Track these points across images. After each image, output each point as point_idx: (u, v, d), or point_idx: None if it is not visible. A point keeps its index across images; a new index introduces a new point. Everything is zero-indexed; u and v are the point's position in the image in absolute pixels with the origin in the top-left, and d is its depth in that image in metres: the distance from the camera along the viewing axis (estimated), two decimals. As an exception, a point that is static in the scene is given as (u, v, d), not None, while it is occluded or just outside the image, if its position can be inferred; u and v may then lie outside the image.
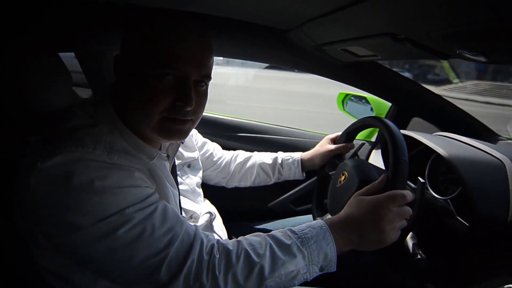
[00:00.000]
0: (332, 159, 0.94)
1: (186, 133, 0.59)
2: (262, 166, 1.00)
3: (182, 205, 0.76)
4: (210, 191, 0.97)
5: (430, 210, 0.78)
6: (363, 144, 0.99)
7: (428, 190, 0.83)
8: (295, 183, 1.14)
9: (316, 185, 0.96)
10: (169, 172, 0.67)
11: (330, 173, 0.92)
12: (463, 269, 0.73)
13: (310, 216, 0.97)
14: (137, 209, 0.49)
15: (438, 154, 0.75)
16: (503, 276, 0.64)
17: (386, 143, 1.05)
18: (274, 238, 0.55)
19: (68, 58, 0.91)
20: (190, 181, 0.88)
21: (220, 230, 0.87)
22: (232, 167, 1.00)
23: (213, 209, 0.90)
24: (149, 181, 0.56)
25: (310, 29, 0.81)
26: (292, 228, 0.57)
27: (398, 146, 0.64)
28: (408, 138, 0.74)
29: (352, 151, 0.96)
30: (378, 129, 1.22)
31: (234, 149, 1.07)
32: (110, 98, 0.58)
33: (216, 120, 1.25)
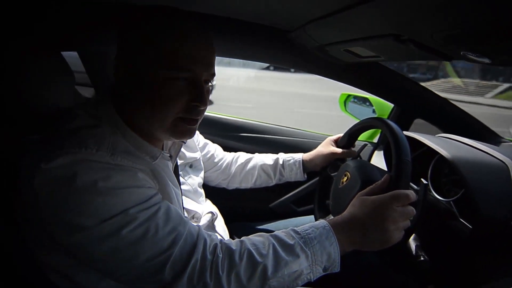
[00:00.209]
0: (334, 161, 0.94)
1: (195, 131, 0.61)
2: (263, 167, 1.00)
3: (184, 205, 0.76)
4: (212, 191, 0.97)
5: (433, 212, 0.78)
6: (365, 145, 0.99)
7: (430, 192, 0.83)
8: (296, 183, 1.14)
9: (318, 186, 0.96)
10: (172, 172, 0.67)
11: (332, 174, 0.92)
12: (466, 271, 0.72)
13: (312, 216, 0.97)
14: (141, 209, 0.49)
15: (441, 156, 0.75)
16: (506, 278, 0.63)
17: (388, 144, 1.04)
18: (277, 238, 0.55)
19: (73, 58, 0.92)
20: (192, 181, 0.88)
21: (221, 230, 0.87)
22: (233, 168, 1.00)
23: (214, 209, 0.90)
24: (152, 181, 0.56)
25: (313, 30, 0.81)
26: (295, 228, 0.57)
27: (401, 146, 0.64)
28: (410, 139, 0.74)
29: None
30: (380, 130, 1.23)
31: (235, 149, 1.07)
32: (111, 98, 0.58)
33: (217, 120, 1.25)
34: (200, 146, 0.96)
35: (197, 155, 0.91)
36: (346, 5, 0.58)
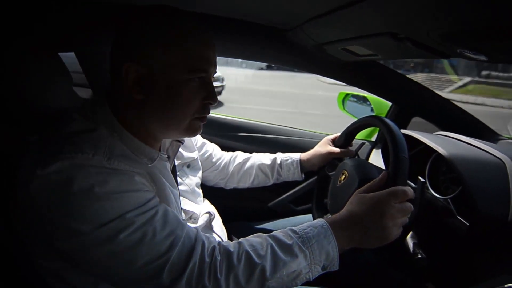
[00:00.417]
0: (331, 160, 0.94)
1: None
2: (261, 167, 0.99)
3: (182, 206, 0.76)
4: (210, 191, 0.97)
5: (430, 209, 0.78)
6: (363, 144, 0.99)
7: (428, 189, 0.83)
8: (294, 183, 1.14)
9: (316, 185, 0.96)
10: (170, 173, 0.66)
11: (329, 173, 0.92)
12: (463, 268, 0.73)
13: (310, 215, 0.97)
14: (138, 214, 0.49)
15: (439, 154, 0.75)
16: (503, 275, 0.64)
17: (386, 143, 1.05)
18: (275, 238, 0.55)
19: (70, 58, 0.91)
20: (190, 181, 0.88)
21: (219, 230, 0.87)
22: (231, 168, 1.00)
23: (212, 209, 0.90)
24: (150, 184, 0.56)
25: (311, 29, 0.81)
26: (293, 228, 0.57)
27: (397, 143, 0.64)
28: (408, 137, 0.74)
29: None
30: (378, 129, 1.23)
31: (233, 149, 1.07)
32: (108, 100, 0.57)
33: (215, 119, 1.25)
34: (198, 146, 0.96)
35: (195, 154, 0.91)
36: (343, 4, 0.58)
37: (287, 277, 0.53)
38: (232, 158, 1.02)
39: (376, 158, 1.09)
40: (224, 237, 0.87)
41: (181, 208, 0.74)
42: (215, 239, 0.56)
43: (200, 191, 0.91)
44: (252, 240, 0.56)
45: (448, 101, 1.10)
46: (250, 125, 1.26)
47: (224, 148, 1.06)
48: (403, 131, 0.72)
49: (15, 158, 0.53)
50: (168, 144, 0.70)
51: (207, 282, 0.49)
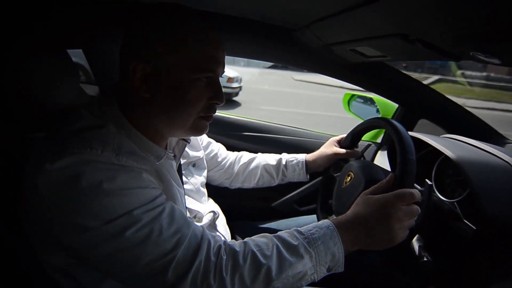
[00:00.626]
0: (337, 161, 0.94)
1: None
2: (266, 167, 0.99)
3: (187, 205, 0.76)
4: (214, 190, 0.97)
5: (437, 212, 0.78)
6: (369, 145, 0.99)
7: (434, 192, 0.82)
8: (299, 183, 1.14)
9: (321, 186, 0.96)
10: (176, 171, 0.67)
11: (335, 174, 0.91)
12: (469, 272, 0.72)
13: (315, 216, 0.97)
14: (145, 210, 0.49)
15: (445, 156, 0.74)
16: (510, 279, 0.63)
17: (392, 144, 1.04)
18: (280, 239, 0.55)
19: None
20: (195, 180, 0.88)
21: (223, 229, 0.87)
22: (236, 168, 1.00)
23: (216, 208, 0.90)
24: (157, 181, 0.56)
25: (319, 29, 0.80)
26: (299, 228, 0.57)
27: (405, 145, 0.64)
28: (415, 140, 0.73)
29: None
30: (384, 130, 1.22)
31: (238, 148, 1.06)
32: (116, 98, 0.57)
33: (220, 119, 1.25)
34: (203, 145, 0.96)
35: (201, 154, 0.91)
36: (353, 5, 0.57)
37: (292, 278, 0.52)
38: (237, 158, 1.02)
39: (382, 160, 1.08)
40: (228, 236, 0.87)
41: (186, 207, 0.74)
42: (221, 238, 0.56)
43: (205, 190, 0.91)
44: (258, 240, 0.55)
45: (455, 103, 1.09)
46: (256, 125, 1.26)
47: (229, 147, 1.06)
48: (409, 133, 0.71)
49: (20, 156, 0.53)
50: (175, 143, 0.70)
51: (213, 281, 0.49)
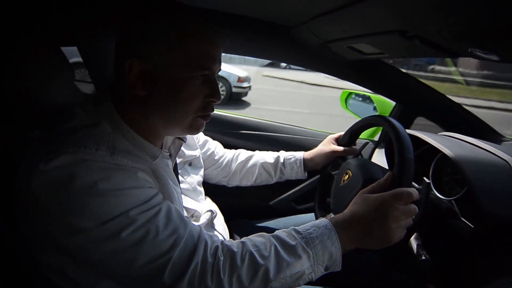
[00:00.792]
0: (335, 159, 0.94)
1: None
2: (264, 165, 0.99)
3: (184, 204, 0.76)
4: (212, 188, 0.96)
5: (434, 211, 0.78)
6: (366, 143, 0.98)
7: (432, 190, 0.82)
8: (297, 181, 1.13)
9: (319, 184, 0.95)
10: (172, 171, 0.66)
11: (333, 172, 0.91)
12: (467, 271, 0.72)
13: (312, 214, 0.97)
14: (141, 211, 0.48)
15: (443, 154, 0.74)
16: (508, 277, 0.63)
17: (390, 142, 1.04)
18: (278, 239, 0.55)
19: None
20: (191, 179, 0.87)
21: (221, 228, 0.86)
22: (234, 166, 0.99)
23: (214, 207, 0.89)
24: (153, 181, 0.55)
25: (316, 26, 0.80)
26: (297, 228, 0.57)
27: (403, 144, 0.64)
28: (412, 137, 0.73)
29: None
30: (381, 128, 1.22)
31: (236, 147, 1.06)
32: (111, 96, 0.57)
33: (217, 117, 1.24)
34: (200, 144, 0.95)
35: (197, 153, 0.90)
36: (351, 1, 0.57)
37: (290, 278, 0.52)
38: (234, 156, 1.01)
39: (379, 158, 1.08)
40: (226, 235, 0.87)
41: (183, 206, 0.74)
42: (219, 238, 0.56)
43: (202, 189, 0.90)
44: (256, 240, 0.55)
45: (452, 101, 1.09)
46: (253, 123, 1.25)
47: (227, 146, 1.05)
48: (407, 131, 0.71)
49: (17, 155, 0.53)
50: (170, 142, 0.69)
51: (210, 282, 0.49)
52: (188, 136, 0.83)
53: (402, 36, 0.59)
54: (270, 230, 0.58)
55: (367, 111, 1.32)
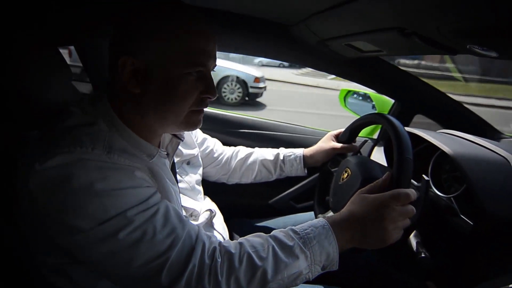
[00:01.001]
0: (334, 156, 0.94)
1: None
2: (263, 162, 0.98)
3: (182, 203, 0.75)
4: (211, 188, 0.96)
5: (433, 208, 0.78)
6: (365, 141, 0.98)
7: (431, 188, 0.82)
8: (296, 179, 1.13)
9: (318, 181, 0.95)
10: (169, 170, 0.65)
11: (332, 169, 0.91)
12: (467, 268, 0.72)
13: (311, 213, 0.97)
14: (139, 211, 0.48)
15: (442, 152, 0.74)
16: (507, 274, 0.63)
17: (388, 140, 1.04)
18: (276, 239, 0.55)
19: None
20: (190, 179, 0.86)
21: (220, 227, 0.86)
22: (233, 163, 0.99)
23: (213, 206, 0.89)
24: (150, 179, 0.55)
25: (315, 24, 0.79)
26: (294, 228, 0.56)
27: (402, 144, 0.63)
28: (411, 135, 0.73)
29: None
30: (380, 126, 1.22)
31: (235, 145, 1.05)
32: (107, 95, 0.56)
33: (216, 116, 1.24)
34: (198, 142, 0.95)
35: (195, 151, 0.90)
36: None
37: (287, 279, 0.52)
38: (234, 153, 1.01)
39: (378, 156, 1.08)
40: (225, 234, 0.86)
41: (182, 206, 0.73)
42: (217, 239, 0.55)
43: (200, 188, 0.90)
44: (253, 240, 0.55)
45: (450, 98, 1.09)
46: (252, 122, 1.25)
47: (226, 144, 1.05)
48: (406, 128, 0.71)
49: (15, 155, 0.52)
50: (168, 140, 0.69)
51: (207, 284, 0.49)
52: (186, 135, 0.82)
53: (400, 33, 0.59)
54: (269, 229, 0.58)
55: (366, 109, 1.32)
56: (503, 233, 0.66)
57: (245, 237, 0.57)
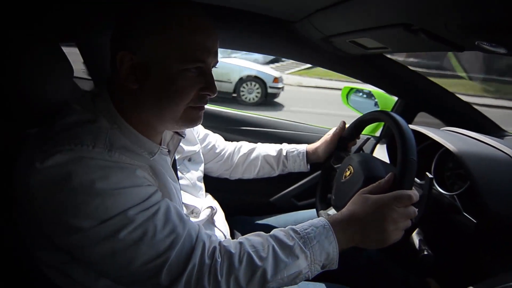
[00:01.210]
0: (337, 152, 0.93)
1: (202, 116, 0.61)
2: (266, 158, 0.98)
3: (183, 200, 0.75)
4: (212, 184, 0.96)
5: (437, 206, 0.77)
6: (368, 139, 0.98)
7: (434, 185, 0.82)
8: (297, 177, 1.13)
9: (321, 178, 0.95)
10: (171, 167, 0.65)
11: (335, 166, 0.91)
12: (470, 266, 0.72)
13: (313, 211, 0.96)
14: (140, 210, 0.48)
15: (445, 149, 0.74)
16: (509, 272, 0.63)
17: (392, 138, 1.03)
18: (276, 239, 0.54)
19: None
20: (191, 175, 0.86)
21: (222, 225, 0.86)
22: (235, 158, 0.98)
23: (215, 203, 0.89)
24: (151, 178, 0.55)
25: (319, 20, 0.79)
26: (295, 227, 0.56)
27: (407, 144, 0.62)
28: (414, 132, 0.73)
29: (357, 145, 0.95)
30: (383, 124, 1.21)
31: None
32: (109, 92, 0.56)
33: (218, 113, 1.23)
34: (200, 138, 0.94)
35: (196, 148, 0.89)
36: None
37: (287, 278, 0.52)
38: (236, 149, 1.00)
39: (380, 153, 1.07)
40: (227, 232, 0.86)
41: (182, 203, 0.73)
42: (217, 238, 0.55)
43: (202, 185, 0.90)
44: (253, 240, 0.55)
45: (454, 96, 1.08)
46: (254, 119, 1.24)
47: (228, 141, 1.05)
48: (410, 126, 0.70)
49: (15, 154, 0.52)
50: (169, 138, 0.68)
51: (207, 284, 0.49)
52: (188, 131, 0.82)
53: (406, 30, 0.58)
54: (271, 227, 0.58)
55: (369, 106, 1.31)
56: (506, 231, 0.66)
57: (245, 236, 0.57)
